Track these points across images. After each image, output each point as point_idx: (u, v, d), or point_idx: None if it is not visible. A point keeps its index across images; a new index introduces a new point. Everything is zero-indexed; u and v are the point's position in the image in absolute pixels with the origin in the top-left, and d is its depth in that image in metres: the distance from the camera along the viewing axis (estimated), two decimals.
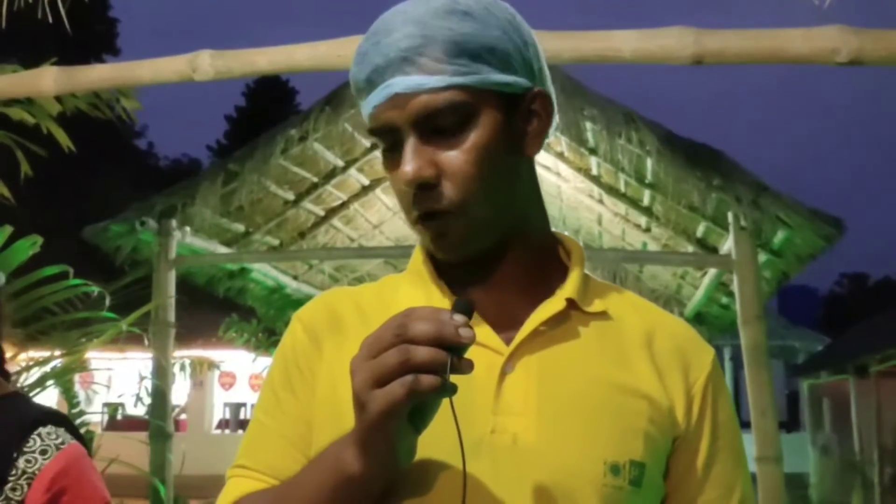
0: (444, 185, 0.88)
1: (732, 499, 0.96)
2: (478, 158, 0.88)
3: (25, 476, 1.32)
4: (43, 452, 1.35)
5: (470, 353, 0.89)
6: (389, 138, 0.90)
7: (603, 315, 0.96)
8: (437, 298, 0.95)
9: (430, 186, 0.87)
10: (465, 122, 0.88)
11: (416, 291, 0.97)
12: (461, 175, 0.88)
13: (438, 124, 0.87)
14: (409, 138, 0.88)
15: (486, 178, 0.89)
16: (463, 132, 0.88)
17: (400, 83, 0.86)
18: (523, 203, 0.96)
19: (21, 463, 1.33)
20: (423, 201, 0.88)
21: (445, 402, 0.76)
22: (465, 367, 0.73)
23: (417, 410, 0.76)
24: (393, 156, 0.91)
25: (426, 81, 0.86)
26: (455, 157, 0.88)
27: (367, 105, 0.90)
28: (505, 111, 0.90)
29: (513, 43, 0.91)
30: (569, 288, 0.95)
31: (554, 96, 0.97)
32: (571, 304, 0.94)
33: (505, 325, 0.92)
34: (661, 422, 0.91)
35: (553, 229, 1.02)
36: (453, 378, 0.73)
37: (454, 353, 0.72)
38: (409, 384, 0.71)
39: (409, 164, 0.87)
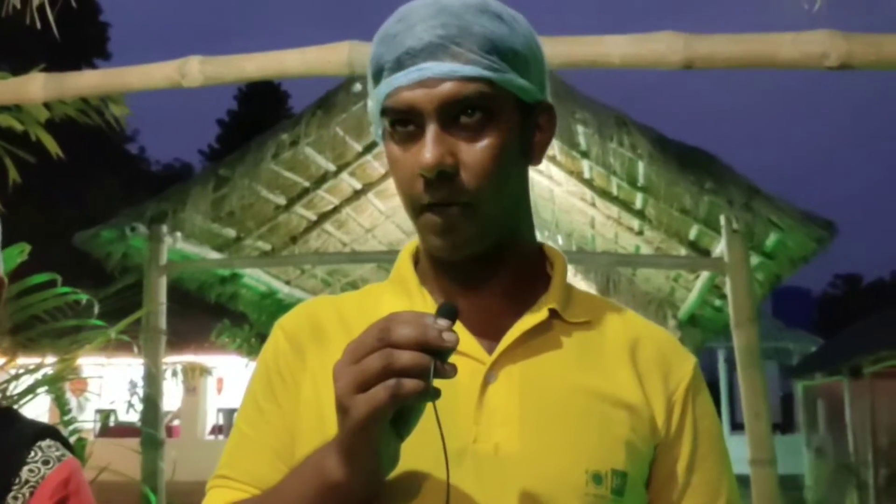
0: (463, 177, 0.87)
1: None
2: (496, 155, 0.88)
3: (28, 485, 1.34)
4: (45, 463, 1.37)
5: (453, 362, 0.89)
6: (406, 120, 0.89)
7: (585, 325, 0.96)
8: (419, 307, 0.94)
9: (448, 176, 0.86)
10: (487, 118, 0.88)
11: (398, 300, 0.97)
12: (480, 168, 0.87)
13: (462, 114, 0.87)
14: (430, 124, 0.87)
15: (501, 176, 0.89)
16: (484, 127, 0.88)
17: (433, 68, 0.86)
18: (520, 211, 0.96)
19: (24, 473, 1.34)
20: (437, 190, 0.87)
21: (429, 410, 0.75)
22: (449, 371, 0.72)
23: (401, 417, 0.75)
24: (404, 140, 0.89)
25: (459, 69, 0.86)
26: (475, 151, 0.87)
27: (390, 84, 0.88)
28: (520, 117, 0.91)
29: (533, 54, 0.92)
30: (551, 298, 0.95)
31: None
32: (554, 313, 0.94)
33: (488, 334, 0.92)
34: (642, 430, 0.91)
35: (542, 237, 1.02)
36: (437, 383, 0.72)
37: (438, 358, 0.71)
38: (391, 388, 0.70)
39: (431, 151, 0.86)
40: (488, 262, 0.93)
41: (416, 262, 1.01)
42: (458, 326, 0.91)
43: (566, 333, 0.94)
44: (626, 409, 0.91)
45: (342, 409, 0.74)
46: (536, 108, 0.94)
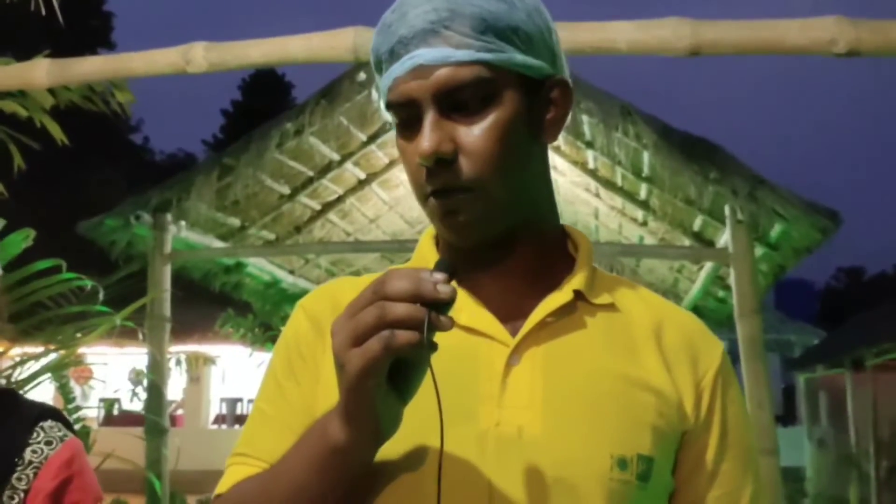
0: (462, 162, 0.86)
1: (743, 496, 0.94)
2: (498, 137, 0.87)
3: (32, 466, 1.35)
4: (48, 443, 1.38)
5: (476, 344, 0.88)
6: (407, 112, 0.88)
7: (611, 307, 0.95)
8: None
9: (447, 162, 0.86)
10: (486, 100, 0.87)
11: None
12: (480, 152, 0.86)
13: (460, 99, 0.86)
14: (428, 112, 0.86)
15: (504, 158, 0.87)
16: (484, 110, 0.87)
17: (425, 54, 0.85)
18: (536, 191, 0.95)
19: (27, 454, 1.36)
20: (438, 177, 0.87)
21: (431, 377, 0.74)
22: (446, 323, 0.71)
23: (402, 376, 0.74)
24: (409, 131, 0.89)
25: (452, 54, 0.85)
26: (475, 135, 0.86)
27: (388, 77, 0.88)
28: (526, 95, 0.89)
29: (537, 28, 0.90)
30: (576, 279, 0.94)
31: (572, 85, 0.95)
32: (579, 295, 0.93)
33: (511, 316, 0.91)
34: (669, 415, 0.90)
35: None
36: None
37: (435, 311, 0.71)
38: (384, 339, 0.69)
39: (427, 139, 0.85)
40: (505, 245, 0.92)
41: (437, 245, 1.00)
42: (480, 308, 0.91)
43: (591, 315, 0.93)
44: (652, 393, 0.89)
45: (339, 365, 0.73)
46: (546, 83, 0.92)
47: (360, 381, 0.71)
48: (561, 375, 0.88)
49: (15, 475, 1.34)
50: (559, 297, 0.92)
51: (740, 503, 0.94)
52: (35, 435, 1.38)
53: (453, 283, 0.72)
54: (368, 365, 0.70)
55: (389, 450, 0.80)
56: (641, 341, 0.93)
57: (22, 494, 1.33)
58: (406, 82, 0.86)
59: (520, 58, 0.88)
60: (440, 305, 0.71)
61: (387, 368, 0.72)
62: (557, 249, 0.98)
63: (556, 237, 0.99)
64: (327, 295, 1.00)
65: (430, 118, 0.86)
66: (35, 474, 1.35)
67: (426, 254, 0.99)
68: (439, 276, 0.72)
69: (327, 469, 0.79)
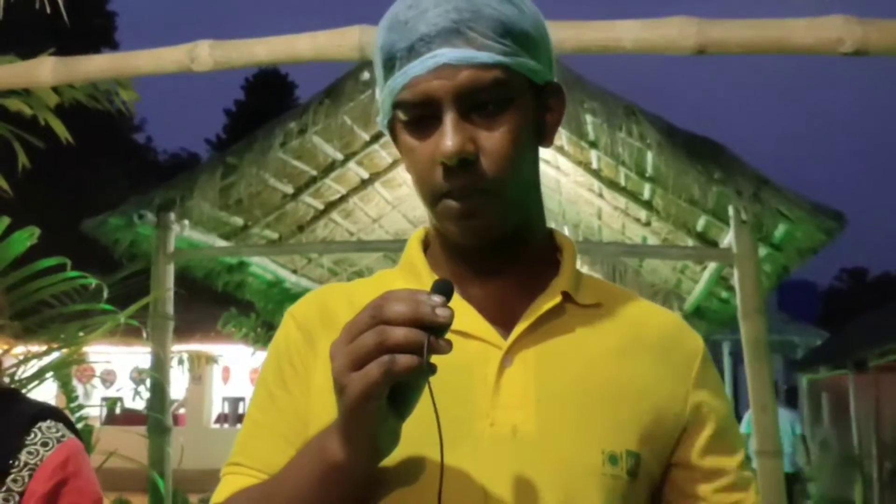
0: (483, 163, 0.87)
1: (740, 484, 0.96)
2: (514, 140, 0.88)
3: (28, 467, 1.35)
4: (44, 444, 1.37)
5: (468, 348, 0.88)
6: (422, 111, 0.88)
7: (597, 307, 0.97)
8: None
9: (468, 163, 0.86)
10: (503, 103, 0.87)
11: (409, 285, 0.96)
12: (501, 155, 0.87)
13: (480, 101, 0.86)
14: (449, 112, 0.86)
15: (520, 160, 0.89)
16: (500, 113, 0.87)
17: (448, 54, 0.85)
18: (533, 195, 0.96)
19: (23, 455, 1.35)
20: (458, 178, 0.86)
21: (432, 392, 0.75)
22: (444, 347, 0.71)
23: (400, 395, 0.74)
24: (421, 130, 0.89)
25: (475, 56, 0.85)
26: (495, 137, 0.87)
27: (405, 74, 0.87)
28: (532, 99, 0.91)
29: (541, 34, 0.92)
30: (563, 281, 0.95)
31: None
32: (566, 297, 0.94)
33: (502, 319, 0.93)
34: (655, 412, 0.92)
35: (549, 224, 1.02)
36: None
37: (433, 334, 0.71)
38: (385, 364, 0.70)
39: (451, 139, 0.85)
40: (503, 248, 0.93)
41: (426, 248, 1.01)
42: (473, 312, 0.92)
43: (579, 316, 0.95)
44: (638, 390, 0.92)
45: (339, 388, 0.74)
46: (546, 88, 0.94)
47: (361, 404, 0.72)
48: (552, 375, 0.90)
49: (10, 477, 1.33)
50: (548, 300, 0.93)
51: (737, 491, 0.95)
52: (32, 436, 1.37)
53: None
54: (369, 389, 0.71)
55: (387, 462, 0.81)
56: (627, 340, 0.95)
57: (17, 497, 1.32)
58: (427, 81, 0.86)
59: (531, 63, 0.89)
60: (438, 328, 0.71)
61: (387, 391, 0.72)
62: (546, 254, 0.99)
63: (545, 241, 1.00)
64: (316, 302, 1.01)
65: (451, 118, 0.86)
66: (30, 476, 1.34)
67: (415, 260, 0.99)
68: (437, 298, 0.72)
69: (326, 484, 0.80)
